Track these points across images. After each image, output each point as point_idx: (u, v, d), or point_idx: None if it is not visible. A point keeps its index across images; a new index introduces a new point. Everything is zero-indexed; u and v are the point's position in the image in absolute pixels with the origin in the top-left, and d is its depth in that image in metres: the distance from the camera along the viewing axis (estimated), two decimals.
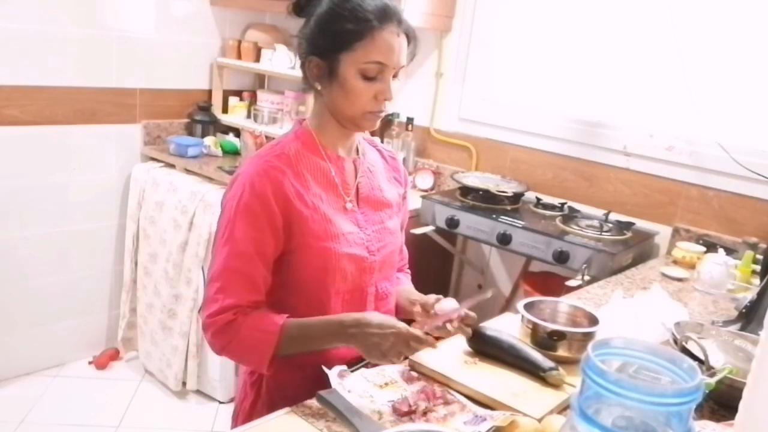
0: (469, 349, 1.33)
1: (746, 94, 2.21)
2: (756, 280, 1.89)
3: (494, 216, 2.37)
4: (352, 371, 1.20)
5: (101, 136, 2.88)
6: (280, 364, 1.19)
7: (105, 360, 3.00)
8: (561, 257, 2.17)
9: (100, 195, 2.95)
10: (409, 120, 2.89)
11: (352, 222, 1.28)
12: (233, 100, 3.26)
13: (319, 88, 1.25)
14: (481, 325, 1.38)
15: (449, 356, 1.30)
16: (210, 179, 2.79)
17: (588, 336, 1.30)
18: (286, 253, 1.22)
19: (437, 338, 1.20)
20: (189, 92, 3.14)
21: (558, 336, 1.30)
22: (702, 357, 1.20)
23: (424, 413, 1.10)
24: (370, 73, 1.18)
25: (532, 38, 2.72)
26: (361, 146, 1.36)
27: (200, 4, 3.06)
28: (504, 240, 2.31)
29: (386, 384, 1.18)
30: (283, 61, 2.92)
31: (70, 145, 2.79)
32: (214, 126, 3.18)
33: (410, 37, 1.23)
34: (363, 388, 1.15)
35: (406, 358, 1.19)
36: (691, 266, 2.06)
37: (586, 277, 2.08)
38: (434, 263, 2.83)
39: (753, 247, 2.04)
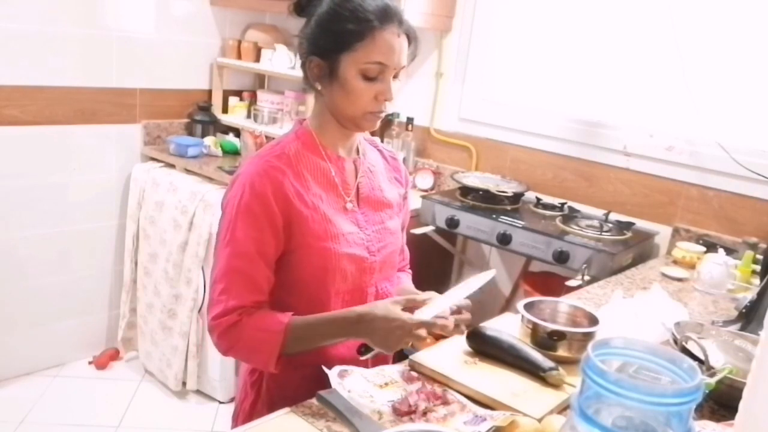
0: (469, 349, 1.33)
1: (746, 94, 2.21)
2: (756, 280, 1.89)
3: (494, 216, 2.37)
4: (364, 359, 1.19)
5: (101, 136, 2.88)
6: (282, 364, 1.19)
7: (105, 360, 3.00)
8: (561, 257, 2.17)
9: (100, 195, 2.95)
10: (409, 120, 2.89)
11: (353, 222, 1.28)
12: (233, 100, 3.26)
13: (319, 88, 1.25)
14: (481, 325, 1.38)
15: (449, 356, 1.30)
16: (210, 179, 2.79)
17: (588, 336, 1.30)
18: (286, 253, 1.22)
19: (438, 337, 1.20)
20: (189, 92, 3.15)
21: (558, 336, 1.30)
22: (702, 357, 1.20)
23: (424, 413, 1.10)
24: (370, 73, 1.18)
25: (532, 38, 2.72)
26: (361, 146, 1.36)
27: (200, 4, 3.06)
28: (504, 240, 2.31)
29: (386, 384, 1.18)
30: (283, 61, 2.92)
31: (70, 145, 2.79)
32: (214, 126, 3.18)
33: (411, 37, 1.23)
34: (363, 388, 1.15)
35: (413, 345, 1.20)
36: (691, 266, 2.07)
37: (586, 277, 2.08)
38: (434, 263, 2.83)
39: (753, 247, 2.04)
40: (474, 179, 2.63)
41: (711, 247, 2.15)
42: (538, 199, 2.56)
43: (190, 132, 3.16)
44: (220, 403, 2.81)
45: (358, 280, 1.28)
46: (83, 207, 2.90)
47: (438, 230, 2.54)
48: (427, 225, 2.53)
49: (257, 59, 3.08)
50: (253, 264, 1.19)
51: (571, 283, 2.06)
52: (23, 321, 2.82)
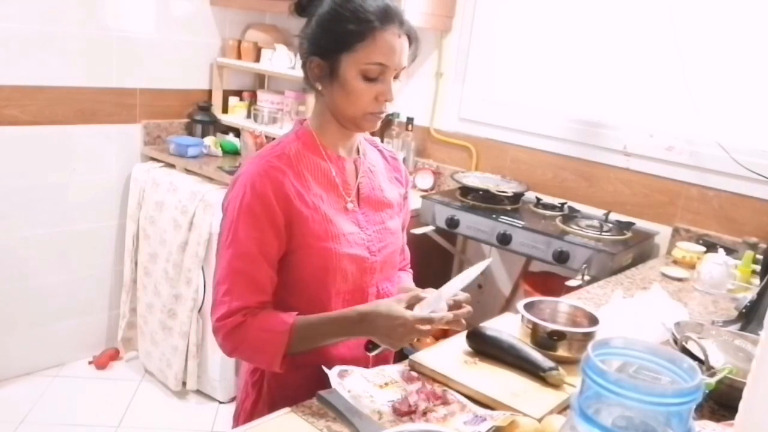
0: (469, 349, 1.33)
1: (746, 94, 2.21)
2: (756, 280, 1.89)
3: (494, 216, 2.37)
4: (372, 355, 1.20)
5: (101, 136, 2.88)
6: (286, 363, 1.20)
7: (105, 360, 3.01)
8: (561, 257, 2.18)
9: (100, 195, 2.95)
10: (409, 120, 2.89)
11: (353, 222, 1.28)
12: (233, 100, 3.26)
13: (320, 88, 1.25)
14: (481, 325, 1.38)
15: (449, 356, 1.30)
16: (210, 179, 2.79)
17: (588, 336, 1.30)
18: (287, 253, 1.22)
19: (438, 336, 1.20)
20: (189, 92, 3.15)
21: (558, 336, 1.30)
22: (702, 357, 1.20)
23: (424, 413, 1.10)
24: (371, 74, 1.18)
25: (532, 38, 2.72)
26: (361, 146, 1.36)
27: (200, 4, 3.06)
28: (504, 240, 2.31)
29: (386, 384, 1.18)
30: (283, 61, 2.92)
31: (70, 145, 2.79)
32: (214, 126, 3.18)
33: (412, 38, 1.23)
34: (363, 388, 1.15)
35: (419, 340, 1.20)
36: (691, 266, 2.07)
37: (586, 277, 2.08)
38: (434, 263, 2.83)
39: (753, 247, 2.04)
40: (474, 179, 2.63)
41: (711, 247, 2.15)
42: (538, 199, 2.56)
43: (190, 132, 3.16)
44: (220, 403, 2.81)
45: (358, 280, 1.28)
46: (83, 207, 2.90)
47: (438, 230, 2.54)
48: (427, 225, 2.53)
49: (257, 59, 3.08)
50: (256, 264, 1.19)
51: (571, 283, 2.06)
52: (23, 321, 2.82)
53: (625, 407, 0.70)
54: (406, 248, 1.51)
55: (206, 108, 3.16)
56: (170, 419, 2.71)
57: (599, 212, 2.42)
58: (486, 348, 1.31)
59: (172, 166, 2.93)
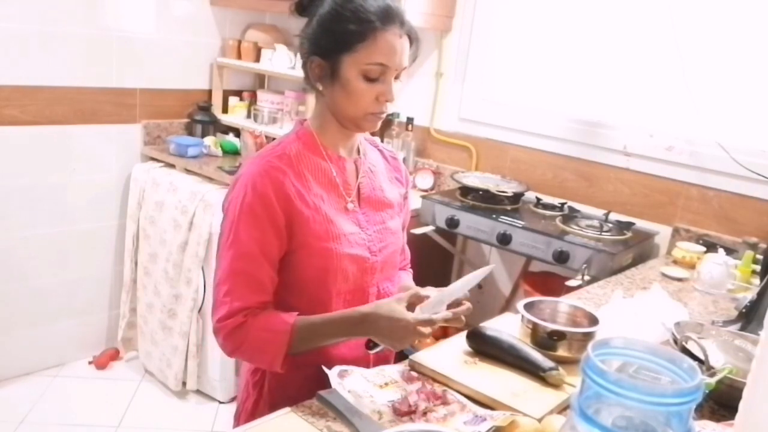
0: (469, 349, 1.33)
1: (746, 94, 2.21)
2: (756, 280, 1.89)
3: (494, 216, 2.37)
4: (373, 353, 1.20)
5: (101, 136, 2.88)
6: (287, 364, 1.20)
7: (105, 360, 3.01)
8: (561, 257, 2.18)
9: (100, 195, 2.95)
10: (409, 120, 2.89)
11: (354, 222, 1.28)
12: (233, 100, 3.26)
13: (320, 88, 1.25)
14: (481, 325, 1.38)
15: (449, 356, 1.30)
16: (210, 179, 2.79)
17: (588, 336, 1.30)
18: (287, 253, 1.22)
19: (438, 336, 1.20)
20: (189, 92, 3.15)
21: (558, 336, 1.30)
22: (702, 357, 1.20)
23: (424, 413, 1.10)
24: (371, 74, 1.18)
25: (532, 38, 2.72)
26: (362, 146, 1.36)
27: (200, 4, 3.06)
28: (504, 240, 2.31)
29: (386, 384, 1.18)
30: (283, 61, 2.92)
31: (70, 145, 2.79)
32: (214, 126, 3.18)
33: (412, 38, 1.23)
34: (363, 388, 1.15)
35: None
36: (691, 266, 2.07)
37: (586, 277, 2.08)
38: (434, 263, 2.83)
39: (753, 247, 2.04)
40: (474, 179, 2.63)
41: (711, 247, 2.15)
42: (538, 199, 2.56)
43: (190, 132, 3.16)
44: (220, 403, 2.81)
45: (359, 280, 1.28)
46: (83, 207, 2.90)
47: (438, 230, 2.54)
48: (427, 225, 2.53)
49: (257, 59, 3.08)
50: (257, 264, 1.19)
51: (571, 283, 2.06)
52: (23, 321, 2.82)
53: (625, 407, 0.70)
54: (407, 248, 1.51)
55: (206, 108, 3.16)
56: (170, 419, 2.71)
57: (599, 212, 2.43)
58: (486, 348, 1.31)
59: (172, 166, 2.93)
